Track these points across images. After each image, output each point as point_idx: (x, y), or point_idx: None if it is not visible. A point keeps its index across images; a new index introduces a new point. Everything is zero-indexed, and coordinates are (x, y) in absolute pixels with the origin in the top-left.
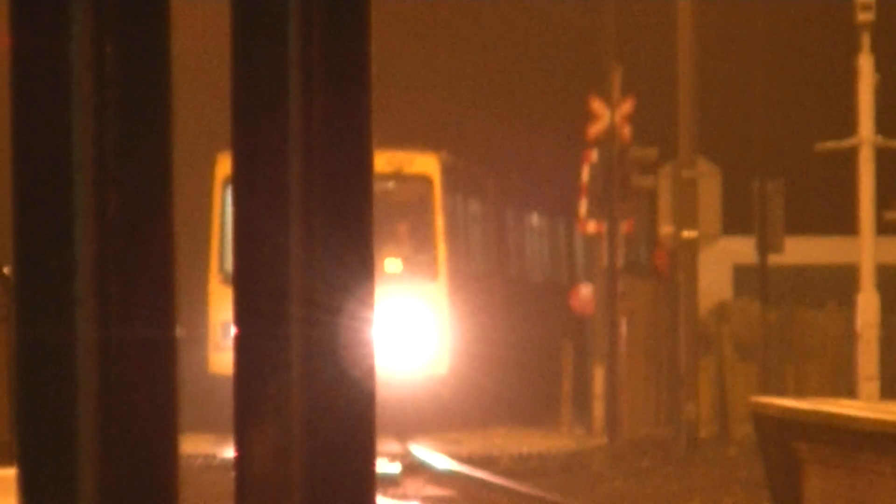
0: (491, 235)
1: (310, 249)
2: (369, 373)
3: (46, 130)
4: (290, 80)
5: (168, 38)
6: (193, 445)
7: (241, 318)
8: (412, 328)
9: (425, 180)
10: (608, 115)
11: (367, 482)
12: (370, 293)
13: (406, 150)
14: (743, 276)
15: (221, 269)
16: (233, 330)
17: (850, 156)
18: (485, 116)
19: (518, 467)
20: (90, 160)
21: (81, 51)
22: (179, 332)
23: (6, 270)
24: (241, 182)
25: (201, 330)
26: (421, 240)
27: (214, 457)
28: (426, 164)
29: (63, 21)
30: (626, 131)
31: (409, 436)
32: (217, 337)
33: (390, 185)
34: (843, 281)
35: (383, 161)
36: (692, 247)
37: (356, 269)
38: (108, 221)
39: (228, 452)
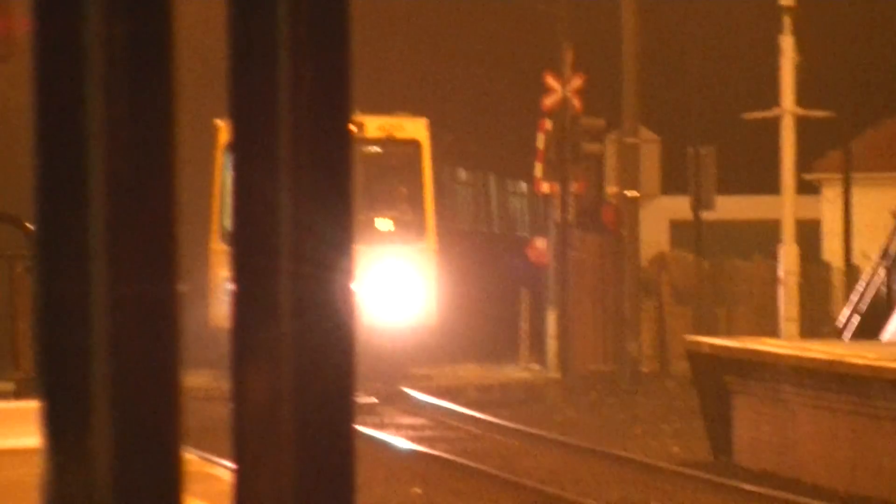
0: (464, 195)
1: (298, 211)
2: (350, 319)
3: (63, 103)
4: (279, 59)
5: (172, 19)
6: (196, 380)
7: (237, 272)
8: (404, 283)
9: (415, 145)
10: (561, 90)
11: (348, 413)
12: (351, 247)
13: (393, 115)
14: (679, 231)
15: (222, 229)
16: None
17: (774, 124)
18: (453, 90)
19: (482, 398)
20: (102, 130)
21: (94, 31)
22: (182, 287)
23: (29, 225)
24: (239, 148)
25: (203, 286)
26: (411, 201)
27: (215, 389)
28: (415, 129)
29: (77, 6)
30: (577, 103)
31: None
32: (218, 292)
33: (382, 148)
34: (767, 234)
35: (375, 126)
36: (634, 204)
37: (339, 226)
38: (118, 186)
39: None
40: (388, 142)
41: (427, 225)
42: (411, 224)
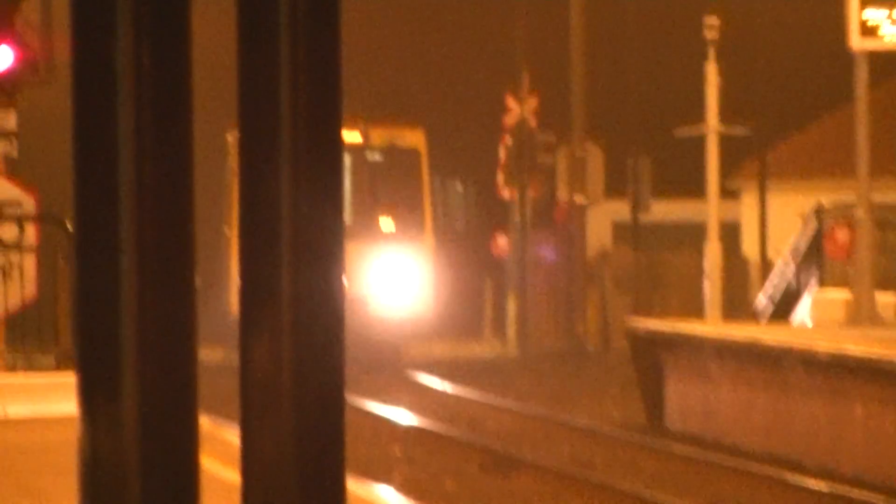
0: (444, 198)
1: (296, 207)
2: (341, 301)
3: (96, 118)
4: (282, 76)
5: (189, 43)
6: (211, 355)
7: (244, 259)
8: (404, 278)
9: (414, 152)
10: (519, 109)
11: (339, 383)
12: (341, 239)
13: (390, 125)
14: (620, 230)
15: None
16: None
17: (701, 139)
18: (424, 109)
19: (451, 371)
20: (129, 139)
21: (124, 51)
22: (197, 276)
23: (69, 223)
24: (244, 154)
25: (221, 274)
26: (411, 203)
27: (227, 362)
28: (415, 138)
29: (110, 28)
30: (533, 121)
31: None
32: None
33: (384, 155)
34: (694, 233)
35: (378, 135)
36: (582, 208)
37: (330, 219)
38: (144, 188)
39: (235, 361)
40: (390, 149)
41: (425, 225)
42: (411, 224)
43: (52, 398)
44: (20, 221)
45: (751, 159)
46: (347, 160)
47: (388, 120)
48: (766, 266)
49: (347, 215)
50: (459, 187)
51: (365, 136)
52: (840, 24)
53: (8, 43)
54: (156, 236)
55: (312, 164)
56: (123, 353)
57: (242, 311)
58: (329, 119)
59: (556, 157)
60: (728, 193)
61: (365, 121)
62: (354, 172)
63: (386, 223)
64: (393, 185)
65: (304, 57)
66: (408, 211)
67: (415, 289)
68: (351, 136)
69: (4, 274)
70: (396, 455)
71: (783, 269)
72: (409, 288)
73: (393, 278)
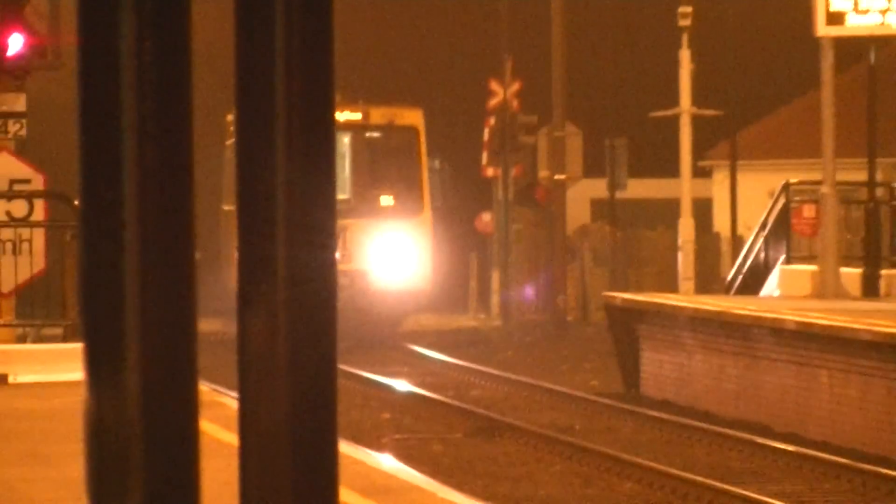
0: (438, 176)
1: (290, 185)
2: (333, 276)
3: (101, 102)
4: (276, 68)
5: (190, 30)
6: (209, 326)
7: (242, 237)
8: (403, 252)
9: (413, 130)
10: (502, 93)
11: (331, 352)
12: (333, 215)
13: (394, 105)
14: (598, 207)
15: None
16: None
17: (675, 120)
18: (415, 91)
19: (439, 341)
20: (133, 124)
21: (126, 38)
22: (198, 254)
23: (76, 203)
24: (242, 134)
25: (220, 251)
26: (409, 180)
27: (224, 334)
28: (413, 117)
29: (113, 16)
30: (515, 104)
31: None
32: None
33: (384, 133)
34: (669, 210)
35: (378, 114)
36: (562, 186)
37: (324, 198)
38: (146, 170)
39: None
40: (389, 128)
41: (424, 201)
42: (410, 200)
43: (60, 365)
44: (29, 198)
45: (722, 140)
46: (348, 138)
47: (381, 100)
48: (736, 241)
49: (348, 192)
50: (440, 165)
51: (365, 114)
52: (807, 13)
53: (18, 30)
54: (157, 213)
55: (306, 147)
56: (127, 324)
57: (240, 285)
58: (322, 104)
59: (538, 138)
60: (701, 172)
61: (365, 100)
62: (355, 150)
63: (385, 199)
64: (392, 162)
65: (298, 45)
66: (407, 187)
67: (414, 263)
68: (352, 115)
69: (14, 248)
70: (386, 421)
71: (752, 245)
72: (408, 262)
73: (392, 253)
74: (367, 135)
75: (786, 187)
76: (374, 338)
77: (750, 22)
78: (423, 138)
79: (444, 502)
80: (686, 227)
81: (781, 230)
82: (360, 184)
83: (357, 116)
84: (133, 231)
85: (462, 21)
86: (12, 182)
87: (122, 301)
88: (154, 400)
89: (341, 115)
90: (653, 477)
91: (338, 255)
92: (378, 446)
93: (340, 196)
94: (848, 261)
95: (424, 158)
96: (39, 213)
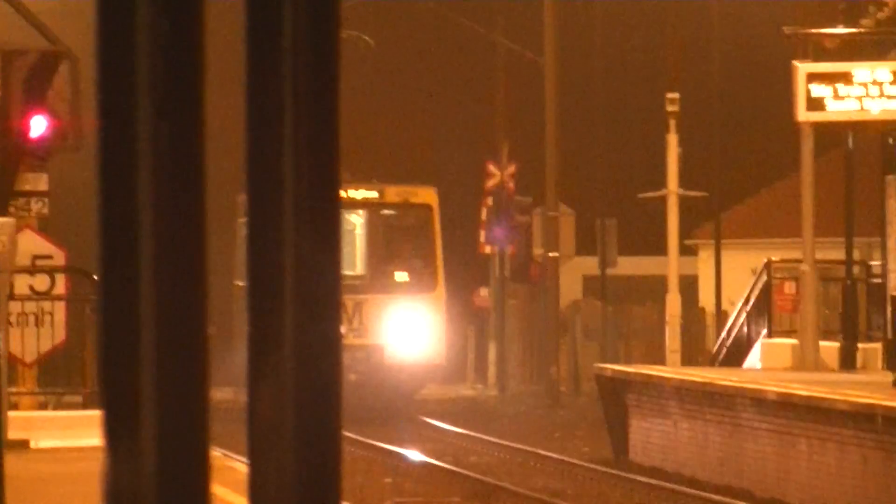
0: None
1: (298, 262)
2: (338, 345)
3: (119, 179)
4: (285, 152)
5: (203, 117)
6: (222, 394)
7: (251, 311)
8: (418, 327)
9: (427, 208)
10: (499, 174)
11: (336, 421)
12: (338, 289)
13: (403, 184)
14: (589, 283)
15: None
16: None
17: (662, 201)
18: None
19: (438, 410)
20: (150, 200)
21: (143, 124)
22: (210, 329)
23: (95, 277)
24: (252, 214)
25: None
26: (424, 257)
27: (235, 402)
28: (427, 195)
29: (131, 105)
30: (511, 185)
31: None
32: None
33: (399, 211)
34: (656, 286)
35: (393, 192)
36: (555, 263)
37: (330, 274)
38: (163, 246)
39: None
40: (404, 206)
41: (437, 277)
42: (424, 276)
43: (79, 432)
44: (51, 273)
45: (707, 220)
46: (364, 215)
47: (384, 179)
48: (721, 316)
49: (364, 268)
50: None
51: (381, 192)
52: (788, 99)
53: (41, 113)
54: (172, 288)
55: (313, 226)
56: (143, 393)
57: (250, 357)
58: (328, 185)
59: (532, 218)
60: (687, 250)
61: (377, 179)
62: (371, 227)
63: (400, 275)
64: (407, 239)
65: (307, 131)
66: (421, 264)
67: (427, 337)
68: (368, 193)
69: (37, 320)
70: (388, 485)
71: (736, 319)
72: (422, 337)
73: (407, 328)
74: (383, 212)
75: (767, 265)
76: (389, 410)
77: (734, 108)
78: (436, 216)
79: None
80: (673, 303)
81: (763, 305)
82: (375, 260)
83: (373, 195)
84: (149, 305)
85: (461, 110)
86: (35, 258)
87: (138, 371)
88: (169, 465)
89: (357, 193)
90: None
91: (346, 328)
92: None
93: (356, 272)
94: (826, 335)
95: (438, 236)
96: (60, 287)
